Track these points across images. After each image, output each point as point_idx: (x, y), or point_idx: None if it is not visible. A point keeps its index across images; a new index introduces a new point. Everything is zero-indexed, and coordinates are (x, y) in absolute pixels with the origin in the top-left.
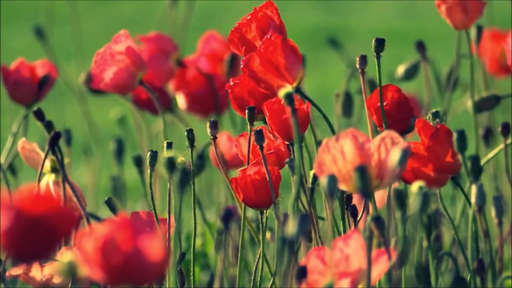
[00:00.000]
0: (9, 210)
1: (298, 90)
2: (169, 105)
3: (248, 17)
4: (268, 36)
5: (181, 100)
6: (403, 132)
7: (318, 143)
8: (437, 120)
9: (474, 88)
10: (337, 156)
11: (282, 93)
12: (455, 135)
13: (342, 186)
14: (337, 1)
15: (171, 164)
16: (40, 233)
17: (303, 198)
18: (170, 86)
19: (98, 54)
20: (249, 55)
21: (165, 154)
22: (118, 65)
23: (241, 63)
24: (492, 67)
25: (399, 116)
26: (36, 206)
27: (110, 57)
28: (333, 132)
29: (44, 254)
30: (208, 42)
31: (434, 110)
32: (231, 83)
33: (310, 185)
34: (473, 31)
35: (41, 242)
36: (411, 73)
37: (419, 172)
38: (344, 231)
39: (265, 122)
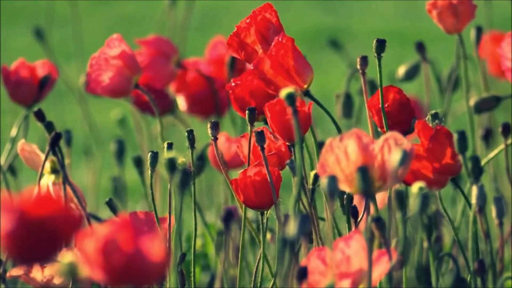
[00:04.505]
0: (12, 212)
1: (307, 93)
2: (170, 107)
3: (247, 21)
4: (279, 39)
5: (181, 102)
6: (404, 134)
7: (319, 144)
8: (436, 121)
9: (469, 89)
10: (341, 156)
11: (283, 93)
12: (455, 136)
13: (345, 187)
14: (338, 2)
15: (171, 165)
16: (43, 236)
17: (304, 199)
18: (171, 88)
19: (93, 59)
20: (259, 58)
21: (165, 155)
22: (113, 70)
23: (250, 65)
24: (494, 69)
25: (400, 117)
26: (39, 208)
27: (105, 62)
28: (339, 132)
29: (47, 256)
30: (215, 47)
31: (433, 112)
32: (232, 84)
33: (310, 186)
34: (472, 32)
35: (45, 245)
36: (411, 74)
37: (418, 174)
38: (348, 230)
39: (265, 123)
